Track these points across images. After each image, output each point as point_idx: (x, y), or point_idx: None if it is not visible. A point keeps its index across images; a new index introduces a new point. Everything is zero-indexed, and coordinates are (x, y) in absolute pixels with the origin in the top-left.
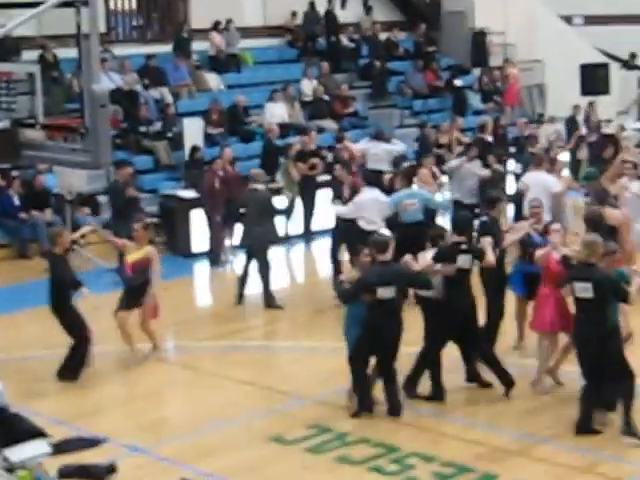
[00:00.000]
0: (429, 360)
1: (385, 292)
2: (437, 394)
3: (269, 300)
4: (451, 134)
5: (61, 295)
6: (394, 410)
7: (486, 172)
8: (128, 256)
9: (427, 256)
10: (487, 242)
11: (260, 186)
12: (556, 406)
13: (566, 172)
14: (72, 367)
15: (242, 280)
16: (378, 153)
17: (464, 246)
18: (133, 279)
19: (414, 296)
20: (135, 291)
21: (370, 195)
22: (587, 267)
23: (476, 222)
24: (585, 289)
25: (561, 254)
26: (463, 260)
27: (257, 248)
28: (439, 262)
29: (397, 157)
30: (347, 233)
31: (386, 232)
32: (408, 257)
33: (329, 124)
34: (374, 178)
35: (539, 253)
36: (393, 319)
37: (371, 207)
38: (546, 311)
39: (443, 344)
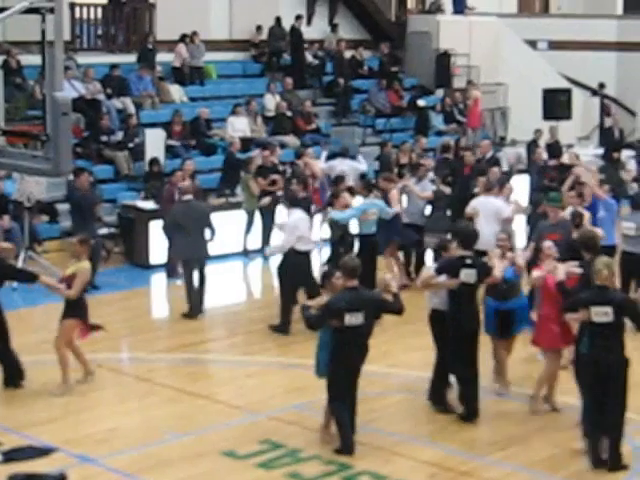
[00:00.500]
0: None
1: (353, 319)
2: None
3: (197, 310)
4: (411, 154)
5: None
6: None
7: (427, 193)
8: (66, 270)
9: (430, 270)
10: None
11: (190, 197)
12: (508, 426)
13: (515, 197)
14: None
15: (189, 292)
16: (344, 170)
17: (469, 260)
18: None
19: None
20: (68, 306)
21: (299, 215)
22: (604, 290)
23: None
24: (605, 313)
25: (558, 280)
26: (467, 274)
27: (196, 259)
28: (441, 274)
29: (360, 175)
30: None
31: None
32: (389, 276)
33: (291, 140)
34: (295, 196)
35: (535, 275)
36: (360, 346)
37: (303, 226)
38: (552, 327)
39: (462, 354)
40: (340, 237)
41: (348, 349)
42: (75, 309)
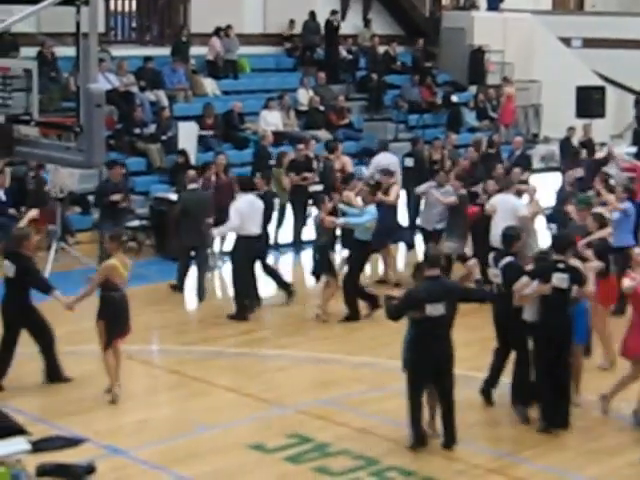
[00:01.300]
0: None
1: (434, 309)
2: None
3: (201, 294)
4: (443, 150)
5: (24, 296)
6: (449, 441)
7: (451, 199)
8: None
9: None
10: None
11: (196, 186)
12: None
13: (536, 196)
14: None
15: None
16: (390, 164)
17: (562, 265)
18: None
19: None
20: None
21: (247, 199)
22: None
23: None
24: None
25: None
26: (559, 279)
27: (202, 244)
28: (534, 279)
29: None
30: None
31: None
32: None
33: (324, 134)
34: (248, 182)
35: (626, 285)
36: (443, 338)
37: (252, 212)
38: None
39: (547, 367)
40: (330, 242)
41: (428, 341)
42: (101, 309)
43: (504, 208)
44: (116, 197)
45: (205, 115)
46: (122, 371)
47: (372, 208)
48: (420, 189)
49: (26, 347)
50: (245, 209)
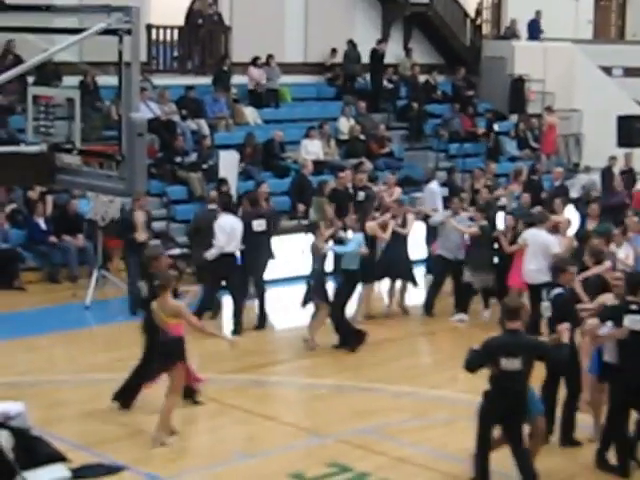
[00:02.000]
0: (615, 432)
1: (510, 363)
2: (622, 469)
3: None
4: (486, 180)
5: None
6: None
7: (473, 229)
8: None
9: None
10: None
11: (215, 207)
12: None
13: (570, 231)
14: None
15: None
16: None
17: (635, 306)
18: None
19: None
20: None
21: (231, 219)
22: None
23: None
24: None
25: None
26: (632, 321)
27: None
28: (605, 321)
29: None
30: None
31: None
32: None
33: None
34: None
35: None
36: (516, 392)
37: (234, 231)
38: None
39: (625, 413)
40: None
41: (501, 394)
42: (179, 351)
43: (535, 243)
44: (142, 237)
45: (246, 144)
46: (161, 399)
47: (358, 236)
48: (436, 219)
49: (64, 374)
50: (228, 228)
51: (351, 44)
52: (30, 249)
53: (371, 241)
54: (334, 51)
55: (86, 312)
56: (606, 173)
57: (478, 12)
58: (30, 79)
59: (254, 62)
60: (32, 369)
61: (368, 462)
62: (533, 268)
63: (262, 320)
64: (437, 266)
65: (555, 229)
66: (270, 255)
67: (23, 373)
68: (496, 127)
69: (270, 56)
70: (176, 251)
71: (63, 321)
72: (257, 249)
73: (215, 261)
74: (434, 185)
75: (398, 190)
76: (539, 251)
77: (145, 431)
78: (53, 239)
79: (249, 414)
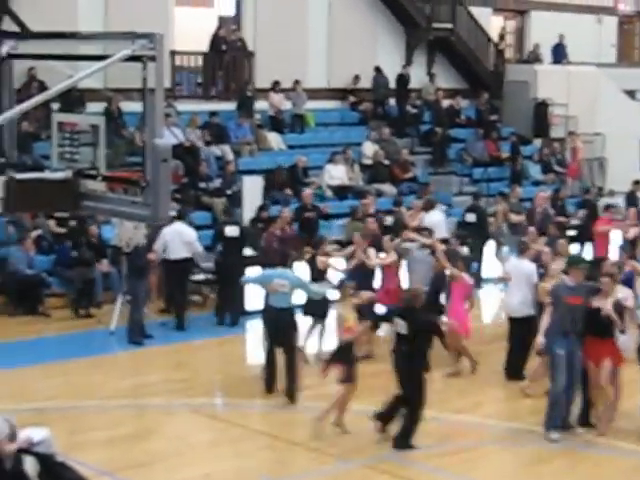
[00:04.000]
0: None
1: None
2: None
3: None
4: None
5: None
6: None
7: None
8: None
9: None
10: None
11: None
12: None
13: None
14: None
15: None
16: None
17: None
18: None
19: None
20: None
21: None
22: None
23: None
24: None
25: None
26: None
27: None
28: None
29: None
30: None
31: None
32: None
33: (388, 188)
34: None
35: None
36: None
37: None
38: None
39: None
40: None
41: None
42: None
43: (518, 275)
44: (152, 257)
45: (275, 173)
46: (186, 424)
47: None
48: (404, 246)
49: (89, 400)
50: (169, 236)
51: (378, 70)
52: (55, 274)
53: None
54: (357, 77)
55: (111, 338)
56: (630, 198)
57: (501, 37)
58: (55, 106)
59: (274, 88)
60: (57, 395)
61: None
62: (515, 301)
63: None
64: None
65: (537, 258)
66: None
67: (48, 399)
68: (521, 152)
69: (297, 82)
70: (201, 277)
71: (88, 347)
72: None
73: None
74: (437, 213)
75: (422, 215)
76: (522, 282)
77: (168, 456)
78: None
79: (274, 439)
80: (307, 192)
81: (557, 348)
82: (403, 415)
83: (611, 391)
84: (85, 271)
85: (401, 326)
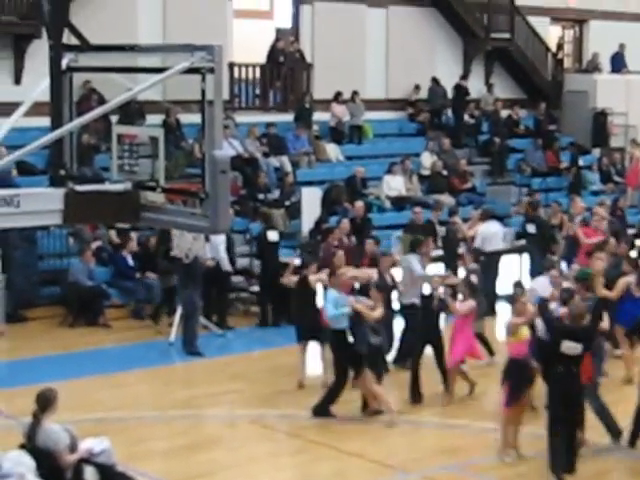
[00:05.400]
0: None
1: None
2: None
3: None
4: (562, 215)
5: None
6: None
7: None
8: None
9: None
10: None
11: None
12: None
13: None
14: None
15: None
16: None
17: None
18: None
19: None
20: None
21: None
22: None
23: None
24: None
25: None
26: None
27: None
28: None
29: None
30: None
31: None
32: None
33: (446, 199)
34: None
35: None
36: None
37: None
38: None
39: None
40: None
41: None
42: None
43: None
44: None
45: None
46: (245, 435)
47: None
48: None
49: (149, 411)
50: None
51: (435, 80)
52: (115, 286)
53: None
54: (417, 87)
55: (170, 348)
56: None
57: (559, 46)
58: (114, 118)
59: (336, 98)
60: (117, 406)
61: None
62: None
63: None
64: None
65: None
66: None
67: (108, 410)
68: (580, 161)
69: (355, 93)
70: (258, 288)
71: (147, 358)
72: None
73: None
74: (494, 224)
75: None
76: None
77: (226, 468)
78: (137, 275)
79: (332, 450)
80: (358, 205)
81: None
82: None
83: None
84: (166, 280)
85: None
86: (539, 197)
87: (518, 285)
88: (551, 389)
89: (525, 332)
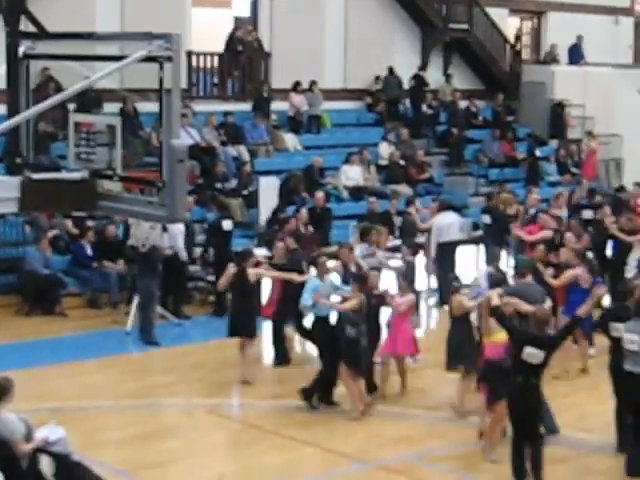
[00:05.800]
0: None
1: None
2: None
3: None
4: (518, 205)
5: None
6: None
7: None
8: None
9: None
10: None
11: None
12: None
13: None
14: None
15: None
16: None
17: None
18: None
19: None
20: None
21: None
22: None
23: None
24: None
25: None
26: None
27: None
28: None
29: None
30: None
31: None
32: None
33: (404, 189)
34: None
35: None
36: None
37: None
38: None
39: None
40: None
41: None
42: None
43: None
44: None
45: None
46: (202, 425)
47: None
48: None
49: (105, 400)
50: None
51: (390, 70)
52: (72, 274)
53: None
54: (378, 78)
55: (127, 338)
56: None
57: (517, 37)
58: (71, 106)
59: (295, 88)
60: (73, 395)
61: None
62: None
63: None
64: None
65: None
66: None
67: (64, 399)
68: (537, 152)
69: (313, 82)
70: (212, 277)
71: (104, 347)
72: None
73: None
74: (450, 215)
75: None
76: None
77: (183, 457)
78: (95, 264)
79: (290, 440)
80: (319, 195)
81: None
82: None
83: None
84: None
85: None
86: (501, 188)
87: (456, 279)
88: (508, 401)
89: (501, 334)
